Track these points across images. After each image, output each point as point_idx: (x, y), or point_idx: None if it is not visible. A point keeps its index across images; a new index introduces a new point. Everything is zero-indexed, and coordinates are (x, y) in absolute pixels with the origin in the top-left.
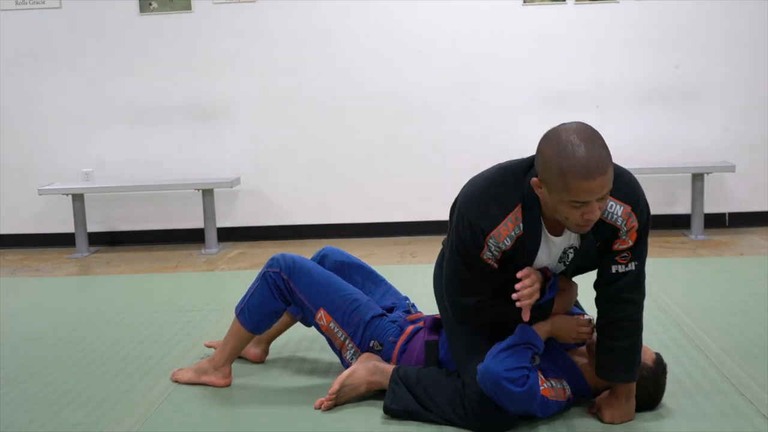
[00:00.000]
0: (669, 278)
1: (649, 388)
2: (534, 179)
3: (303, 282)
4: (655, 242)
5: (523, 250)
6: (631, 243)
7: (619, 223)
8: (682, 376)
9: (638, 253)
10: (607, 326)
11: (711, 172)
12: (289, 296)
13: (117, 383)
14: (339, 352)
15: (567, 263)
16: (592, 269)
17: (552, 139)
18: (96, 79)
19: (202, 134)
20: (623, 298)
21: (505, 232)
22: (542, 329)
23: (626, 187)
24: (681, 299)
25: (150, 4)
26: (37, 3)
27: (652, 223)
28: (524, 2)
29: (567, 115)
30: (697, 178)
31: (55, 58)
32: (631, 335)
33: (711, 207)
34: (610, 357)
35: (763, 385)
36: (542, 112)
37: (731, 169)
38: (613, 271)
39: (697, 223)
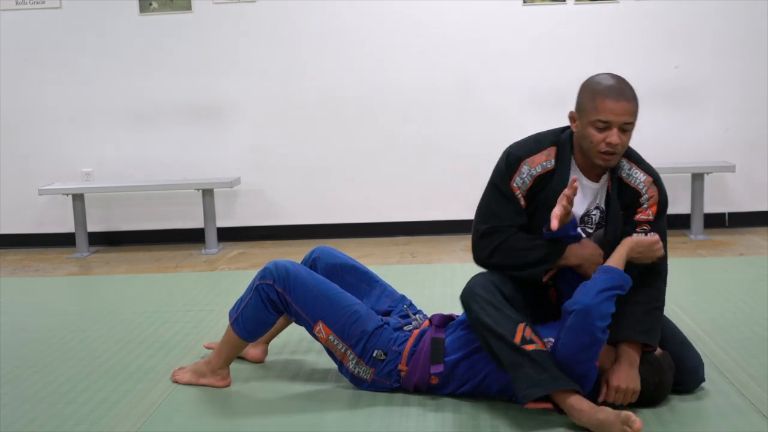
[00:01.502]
0: (669, 278)
1: (654, 377)
2: (570, 111)
3: (299, 294)
4: None
5: (551, 191)
6: (651, 216)
7: (640, 188)
8: None
9: (657, 227)
10: (627, 293)
11: (711, 172)
12: (284, 308)
13: (117, 383)
14: (340, 363)
15: (592, 226)
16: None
17: (592, 76)
18: (96, 79)
19: (202, 134)
20: (645, 266)
21: (538, 160)
22: (619, 253)
23: (649, 165)
24: (681, 299)
25: (150, 4)
26: (37, 3)
27: None
28: (524, 2)
29: (567, 115)
30: (697, 178)
31: (55, 58)
32: (651, 301)
33: (711, 207)
34: (628, 319)
35: (763, 384)
36: (542, 112)
37: (731, 169)
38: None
39: (697, 223)
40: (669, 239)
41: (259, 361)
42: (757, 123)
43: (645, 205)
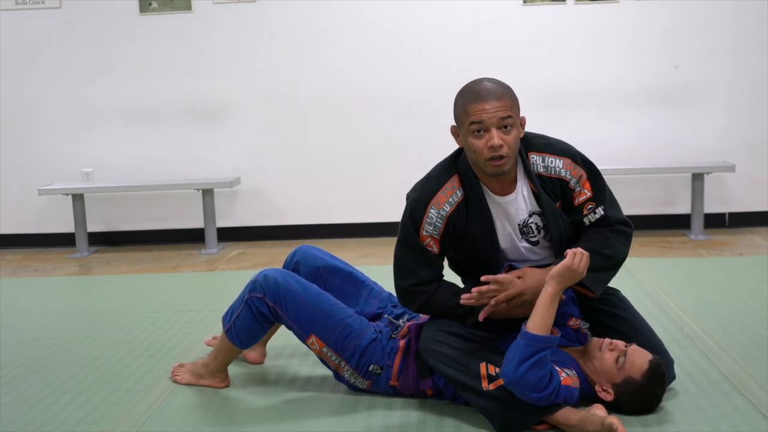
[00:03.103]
0: (669, 278)
1: (639, 402)
2: (451, 126)
3: (290, 308)
4: (655, 242)
5: (475, 218)
6: (589, 193)
7: (563, 175)
8: (682, 376)
9: (600, 198)
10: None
11: (711, 172)
12: (276, 320)
13: (117, 383)
14: (335, 372)
15: (535, 234)
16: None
17: (461, 88)
18: (96, 79)
19: (202, 134)
20: (612, 230)
21: (443, 199)
22: (542, 302)
23: (558, 145)
24: (681, 299)
25: (150, 4)
26: (37, 3)
27: (650, 222)
28: (524, 2)
29: (567, 115)
30: (697, 178)
31: (55, 58)
32: (595, 245)
33: (711, 207)
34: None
35: (763, 385)
36: (542, 112)
37: (731, 169)
38: (587, 223)
39: (697, 223)
40: (669, 238)
41: (258, 363)
42: (757, 123)
43: (577, 188)
